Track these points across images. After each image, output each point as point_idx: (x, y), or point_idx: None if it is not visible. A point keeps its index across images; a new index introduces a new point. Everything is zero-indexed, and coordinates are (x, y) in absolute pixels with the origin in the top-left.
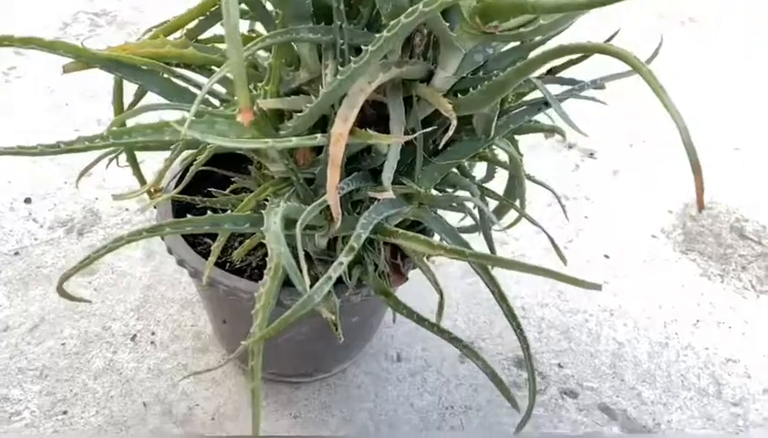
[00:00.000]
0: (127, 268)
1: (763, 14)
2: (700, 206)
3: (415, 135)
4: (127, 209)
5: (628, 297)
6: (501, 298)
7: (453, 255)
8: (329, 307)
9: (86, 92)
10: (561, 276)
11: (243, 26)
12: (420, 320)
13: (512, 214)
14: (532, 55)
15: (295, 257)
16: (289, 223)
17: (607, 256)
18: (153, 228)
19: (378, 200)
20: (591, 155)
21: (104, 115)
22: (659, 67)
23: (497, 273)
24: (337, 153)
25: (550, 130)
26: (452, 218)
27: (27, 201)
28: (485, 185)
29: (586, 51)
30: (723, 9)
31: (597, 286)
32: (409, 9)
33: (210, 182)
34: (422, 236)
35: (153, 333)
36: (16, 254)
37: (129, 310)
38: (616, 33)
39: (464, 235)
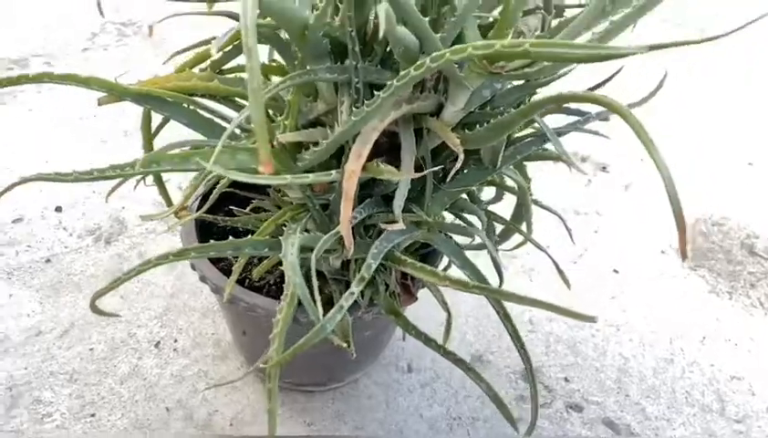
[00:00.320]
0: (151, 277)
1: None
2: (684, 256)
3: (425, 173)
4: (151, 218)
5: (636, 312)
6: (505, 318)
7: (458, 286)
8: (343, 327)
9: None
10: (558, 309)
11: (264, 51)
12: (428, 341)
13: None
14: (539, 91)
15: (310, 288)
16: (305, 249)
17: (616, 271)
18: (179, 252)
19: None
20: (603, 169)
21: (131, 126)
22: (673, 80)
23: (506, 289)
24: (349, 188)
25: (557, 159)
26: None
27: (58, 209)
28: (493, 204)
29: (581, 100)
30: (734, 20)
31: (593, 319)
32: (418, 62)
33: (232, 200)
34: (429, 267)
35: (176, 340)
36: (48, 261)
37: (154, 318)
38: (618, 71)
39: (474, 252)
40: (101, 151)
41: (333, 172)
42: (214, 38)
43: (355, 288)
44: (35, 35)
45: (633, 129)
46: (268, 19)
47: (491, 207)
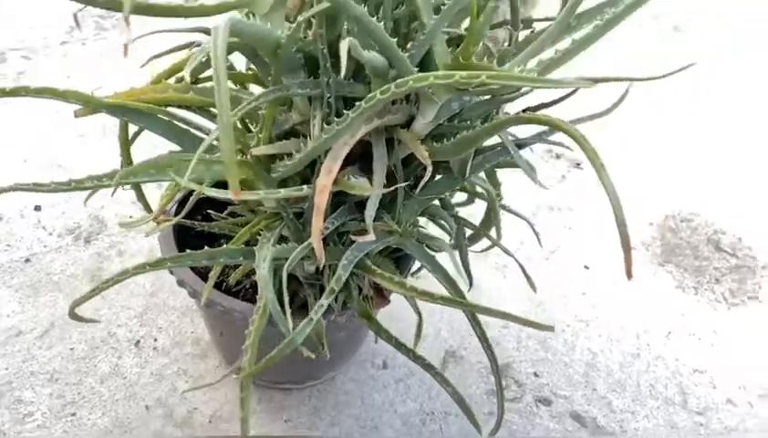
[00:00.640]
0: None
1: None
2: (629, 276)
3: (394, 187)
4: (131, 216)
5: (605, 308)
6: (474, 321)
7: (424, 297)
8: (317, 330)
9: None
10: (518, 319)
11: (241, 59)
12: (399, 345)
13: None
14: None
15: (281, 302)
16: (280, 257)
17: (587, 267)
18: (156, 262)
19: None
20: (578, 165)
21: (109, 121)
22: (642, 85)
23: (480, 286)
24: (321, 202)
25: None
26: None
27: (37, 208)
28: (466, 206)
29: (540, 123)
30: (709, 18)
31: (550, 328)
32: (384, 87)
33: (210, 203)
34: (396, 278)
35: (155, 339)
36: (27, 261)
37: (133, 317)
38: (573, 91)
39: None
40: (80, 147)
41: (304, 187)
42: (192, 43)
43: (324, 301)
44: (12, 28)
45: (587, 155)
46: None
47: (463, 209)
